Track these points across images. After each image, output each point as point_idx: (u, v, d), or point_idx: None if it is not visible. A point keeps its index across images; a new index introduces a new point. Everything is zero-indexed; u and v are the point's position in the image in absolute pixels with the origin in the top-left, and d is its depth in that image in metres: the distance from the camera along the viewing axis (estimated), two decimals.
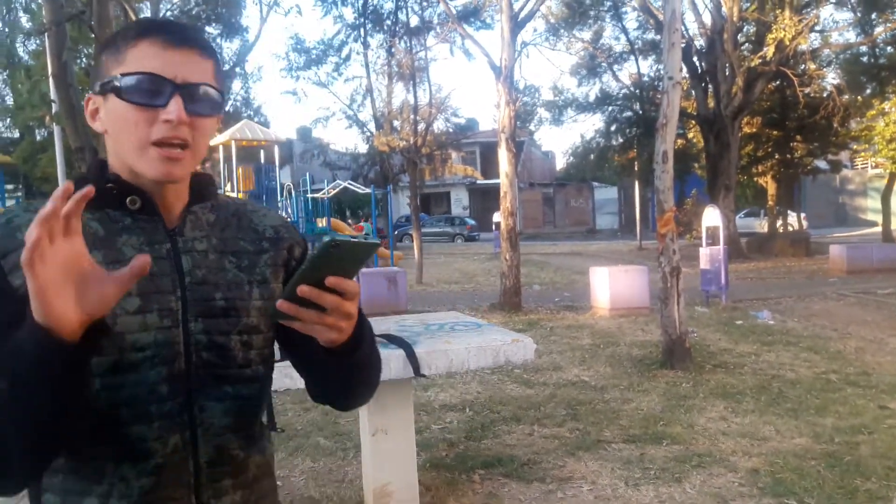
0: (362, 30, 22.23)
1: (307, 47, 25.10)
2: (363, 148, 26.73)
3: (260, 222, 1.17)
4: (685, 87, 19.47)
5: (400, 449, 3.42)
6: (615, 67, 23.49)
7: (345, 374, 1.10)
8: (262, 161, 21.62)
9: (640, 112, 22.74)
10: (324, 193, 21.63)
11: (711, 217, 10.93)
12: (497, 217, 23.92)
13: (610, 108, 23.98)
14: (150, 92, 0.98)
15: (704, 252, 10.56)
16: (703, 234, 11.09)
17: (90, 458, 0.99)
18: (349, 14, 23.06)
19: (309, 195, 20.71)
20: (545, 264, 18.79)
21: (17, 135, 28.05)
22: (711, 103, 19.49)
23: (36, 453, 0.91)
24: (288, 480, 4.03)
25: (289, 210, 19.27)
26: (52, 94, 6.61)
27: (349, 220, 32.16)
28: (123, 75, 0.99)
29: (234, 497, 1.08)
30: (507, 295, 10.50)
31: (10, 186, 23.95)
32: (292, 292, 0.91)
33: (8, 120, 27.18)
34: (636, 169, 24.75)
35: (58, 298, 0.81)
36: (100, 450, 0.99)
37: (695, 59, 19.70)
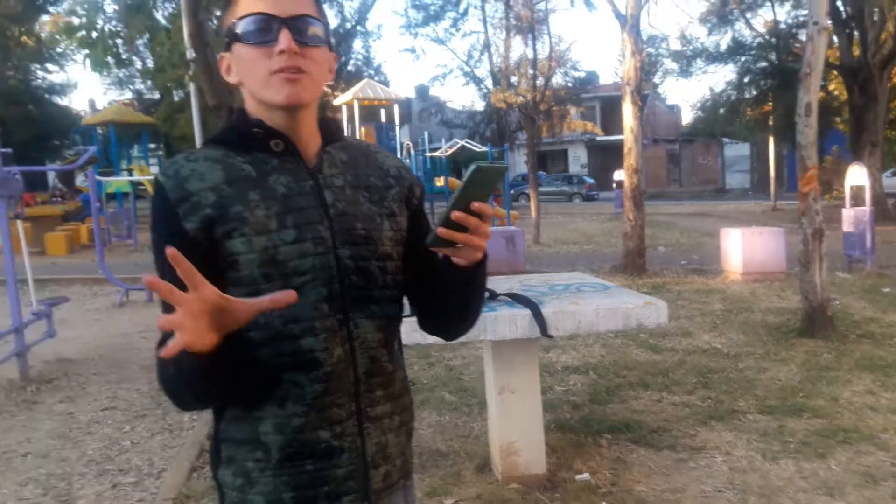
0: None
1: (425, 3, 25.05)
2: (480, 105, 26.62)
3: (384, 162, 1.28)
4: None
5: (526, 408, 3.41)
6: (748, 14, 21.89)
7: (469, 292, 1.24)
8: (383, 120, 21.97)
9: (776, 62, 21.16)
10: (441, 152, 21.75)
11: (856, 176, 10.09)
12: (618, 175, 23.23)
13: (743, 59, 22.46)
14: (262, 30, 1.11)
15: (848, 213, 9.79)
16: (847, 195, 10.26)
17: (270, 367, 1.13)
18: None
19: (427, 154, 20.90)
20: (671, 225, 18.11)
21: (157, 96, 29.90)
22: (857, 51, 17.85)
23: (205, 401, 1.17)
24: (416, 432, 4.11)
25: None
26: (189, 55, 6.95)
27: None
28: (237, 20, 1.13)
29: (385, 407, 1.21)
30: (630, 257, 10.19)
31: (152, 145, 25.70)
32: (447, 218, 1.05)
33: (149, 82, 28.98)
34: (770, 123, 23.17)
35: (198, 339, 0.93)
36: (278, 360, 1.12)
37: (839, 2, 18.03)
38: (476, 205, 1.06)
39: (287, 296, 0.95)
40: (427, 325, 1.35)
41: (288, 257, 1.10)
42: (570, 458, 3.68)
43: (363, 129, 18.75)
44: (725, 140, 38.70)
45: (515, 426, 3.40)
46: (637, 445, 3.88)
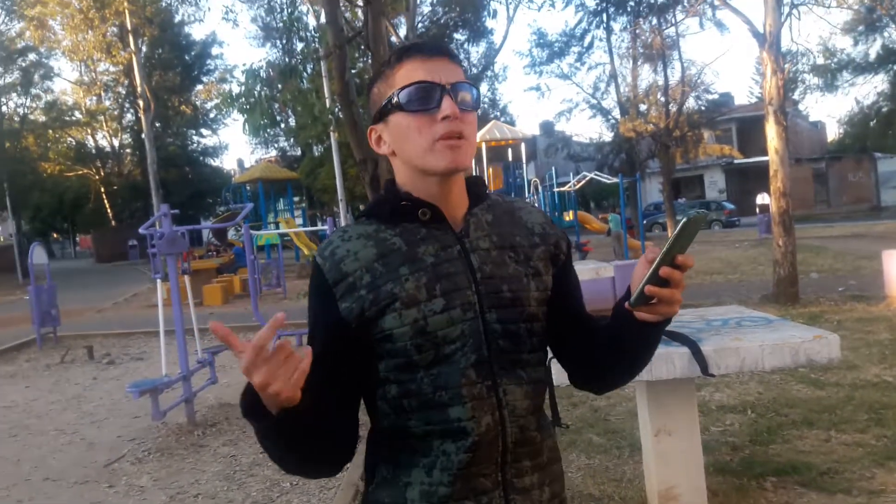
0: (605, 15, 21.81)
1: (549, 41, 25.24)
2: (608, 136, 26.24)
3: (528, 219, 1.28)
4: None
5: (685, 451, 3.27)
6: None
7: (648, 348, 1.23)
8: (510, 159, 22.17)
9: None
10: (570, 186, 21.60)
11: None
12: (761, 199, 22.04)
13: (895, 67, 20.85)
14: (424, 98, 1.14)
15: None
16: None
17: (419, 435, 1.14)
18: (590, 1, 22.75)
19: (555, 189, 20.83)
20: (822, 249, 16.87)
21: (298, 153, 31.85)
22: None
23: (320, 462, 1.17)
24: (566, 476, 4.05)
25: (536, 206, 19.55)
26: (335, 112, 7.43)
27: (594, 212, 31.75)
28: (399, 91, 1.16)
29: (532, 478, 1.19)
30: (781, 285, 9.58)
31: (296, 198, 27.32)
32: (655, 275, 1.04)
33: (291, 140, 30.96)
34: None
35: (281, 396, 0.99)
36: (428, 428, 1.13)
37: None
38: (681, 258, 1.05)
39: (277, 318, 0.98)
40: (581, 381, 1.34)
41: (437, 326, 1.11)
42: (733, 502, 3.48)
43: (491, 169, 19.01)
44: (878, 154, 35.76)
45: (674, 470, 3.27)
46: (806, 489, 3.61)
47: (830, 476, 3.74)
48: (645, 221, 25.33)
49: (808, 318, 7.98)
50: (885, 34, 21.19)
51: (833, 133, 40.03)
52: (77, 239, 52.97)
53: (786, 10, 10.50)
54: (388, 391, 1.16)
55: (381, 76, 1.21)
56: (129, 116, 39.32)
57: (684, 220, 1.02)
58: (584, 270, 7.30)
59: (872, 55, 21.45)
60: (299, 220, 22.87)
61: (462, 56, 29.59)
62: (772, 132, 9.78)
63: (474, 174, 1.30)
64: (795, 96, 27.13)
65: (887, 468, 3.78)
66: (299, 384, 0.99)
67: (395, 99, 1.16)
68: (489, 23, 28.93)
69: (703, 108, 21.08)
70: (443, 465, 1.12)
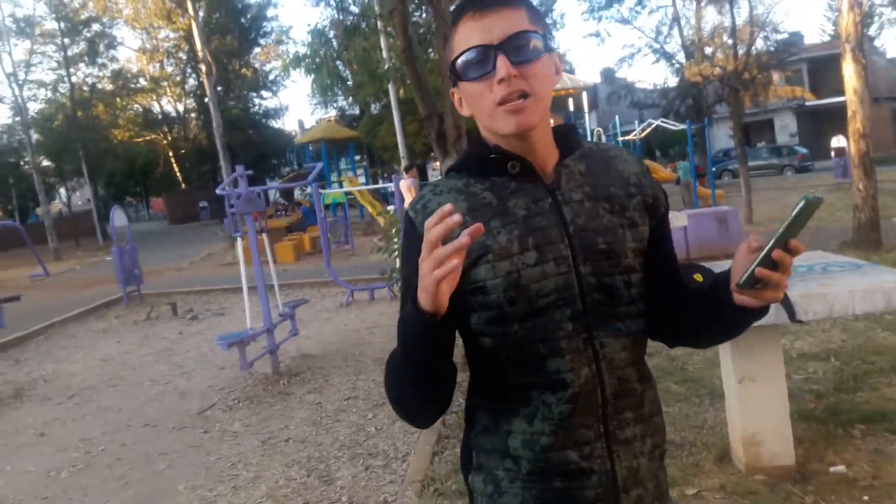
0: None
1: None
2: (672, 82, 25.40)
3: (624, 168, 1.24)
4: None
5: (770, 398, 3.26)
6: None
7: (741, 327, 1.19)
8: (571, 109, 21.77)
9: None
10: (634, 135, 21.13)
11: None
12: (836, 142, 21.07)
13: None
14: (478, 63, 1.12)
15: None
16: None
17: (519, 386, 1.16)
18: None
19: (619, 138, 20.39)
20: None
21: (357, 112, 31.97)
22: None
23: (429, 402, 1.15)
24: None
25: None
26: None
27: (660, 161, 30.97)
28: (453, 61, 1.15)
29: (635, 429, 1.18)
30: (862, 230, 9.24)
31: (357, 157, 27.55)
32: (768, 258, 0.99)
33: (350, 99, 31.06)
34: None
35: (445, 297, 0.97)
36: (526, 379, 1.15)
37: None
38: (794, 242, 1.00)
39: (476, 229, 0.93)
40: (657, 333, 1.28)
41: (530, 279, 1.11)
42: (820, 449, 3.47)
43: (552, 119, 18.72)
44: None
45: (758, 416, 3.27)
46: None
47: None
48: (714, 169, 24.59)
49: (892, 264, 7.67)
50: None
51: None
52: (150, 202, 54.86)
53: None
54: (482, 343, 1.17)
55: (448, 38, 1.20)
56: (191, 81, 40.09)
57: (802, 203, 0.97)
58: None
59: None
60: (362, 179, 23.15)
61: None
62: (849, 71, 9.31)
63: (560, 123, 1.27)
64: (871, 31, 25.64)
65: None
66: (452, 285, 0.97)
67: (455, 67, 1.16)
68: None
69: (772, 48, 20.10)
70: (544, 415, 1.13)
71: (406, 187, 10.54)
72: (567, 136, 1.23)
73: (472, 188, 1.18)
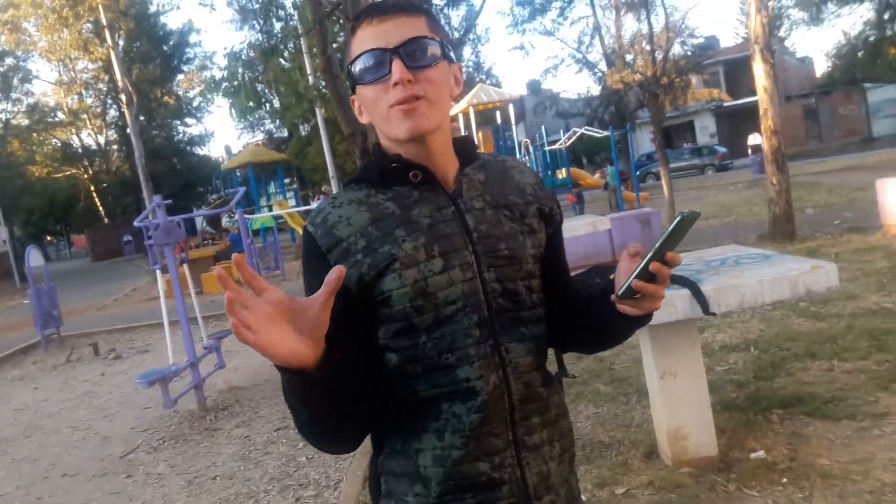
0: None
1: None
2: (595, 90, 26.07)
3: (521, 178, 1.26)
4: None
5: (691, 391, 3.30)
6: None
7: (627, 333, 1.23)
8: (499, 121, 22.03)
9: None
10: (560, 144, 21.52)
11: None
12: (753, 140, 21.93)
13: None
14: (374, 67, 1.10)
15: None
16: None
17: (427, 399, 1.13)
18: None
19: (546, 148, 20.74)
20: (816, 185, 16.88)
21: (286, 134, 31.65)
22: None
23: (348, 433, 1.12)
24: (574, 426, 4.06)
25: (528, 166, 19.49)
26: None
27: (586, 167, 31.63)
28: (351, 63, 1.14)
29: (542, 434, 1.18)
30: (777, 223, 9.60)
31: (287, 180, 27.21)
32: (645, 270, 1.03)
33: (277, 121, 30.74)
34: None
35: (281, 346, 0.90)
36: (435, 392, 1.12)
37: None
38: (670, 255, 1.03)
39: (335, 272, 0.90)
40: (554, 342, 1.29)
41: (437, 287, 1.10)
42: (741, 437, 3.53)
43: (480, 132, 18.89)
44: (867, 85, 35.54)
45: (681, 410, 3.31)
46: (812, 418, 3.66)
47: (835, 404, 3.79)
48: (638, 172, 25.25)
49: (806, 253, 8.01)
50: None
51: (822, 68, 39.80)
52: (71, 239, 52.87)
53: None
54: (388, 360, 1.14)
55: (346, 45, 1.19)
56: (112, 112, 39.00)
57: (679, 217, 1.00)
58: (581, 225, 7.29)
59: None
60: (292, 202, 22.84)
61: (443, 21, 29.24)
62: (759, 71, 9.71)
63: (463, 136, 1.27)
64: (781, 33, 26.92)
65: (891, 391, 3.83)
66: (308, 338, 0.92)
67: (352, 71, 1.14)
68: None
69: (689, 52, 20.83)
70: (454, 427, 1.11)
71: None
72: (466, 147, 1.23)
73: (374, 198, 1.15)
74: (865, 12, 27.37)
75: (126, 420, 6.21)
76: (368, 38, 1.12)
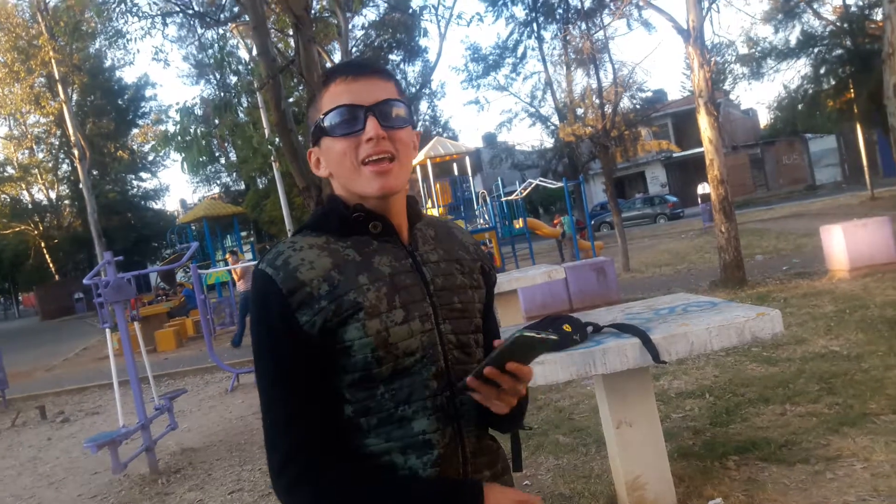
0: (535, 24, 22.24)
1: (484, 55, 25.59)
2: (549, 143, 26.69)
3: (462, 237, 1.31)
4: None
5: (647, 440, 3.32)
6: (815, 5, 21.23)
7: (500, 424, 1.25)
8: (456, 173, 22.29)
9: (852, 47, 20.34)
10: (516, 195, 21.83)
11: None
12: (702, 189, 22.58)
13: (816, 50, 21.73)
14: (348, 121, 1.13)
15: None
16: None
17: (379, 453, 1.11)
18: (520, 12, 23.20)
19: (503, 199, 21.00)
20: (764, 231, 17.39)
21: (242, 187, 31.50)
22: None
23: None
24: (535, 479, 4.08)
25: (486, 216, 19.65)
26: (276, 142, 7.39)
27: (542, 217, 32.11)
28: (324, 116, 1.15)
29: None
30: (728, 270, 9.84)
31: (244, 233, 26.99)
32: (480, 372, 1.04)
33: (234, 175, 30.62)
34: (855, 111, 22.13)
35: None
36: (387, 446, 1.11)
37: None
38: (511, 366, 1.03)
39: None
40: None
41: (398, 338, 1.10)
42: (699, 485, 3.55)
43: (437, 184, 19.07)
44: (808, 136, 37.15)
45: (638, 459, 3.32)
46: (767, 463, 3.71)
47: (789, 448, 3.85)
48: (593, 222, 25.72)
49: (757, 299, 8.22)
50: (804, 20, 22.07)
51: (765, 119, 41.39)
52: (20, 297, 51.20)
53: (706, 4, 10.84)
54: (341, 411, 1.12)
55: (313, 100, 1.22)
56: (64, 167, 38.32)
57: (513, 336, 1.00)
58: (537, 275, 7.36)
59: (793, 41, 22.28)
60: (249, 255, 22.57)
61: (399, 76, 29.75)
62: (704, 123, 10.07)
63: (420, 189, 1.30)
64: (726, 86, 28.03)
65: (841, 433, 3.91)
66: None
67: (322, 123, 1.16)
68: (422, 42, 29.18)
69: (637, 106, 21.58)
70: None
71: None
72: (413, 206, 1.26)
73: (334, 245, 1.15)
74: (803, 67, 28.78)
75: (73, 487, 5.95)
76: (342, 93, 1.14)
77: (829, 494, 3.25)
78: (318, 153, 1.21)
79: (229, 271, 17.84)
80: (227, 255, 13.42)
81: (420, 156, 18.63)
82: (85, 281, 6.40)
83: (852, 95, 21.58)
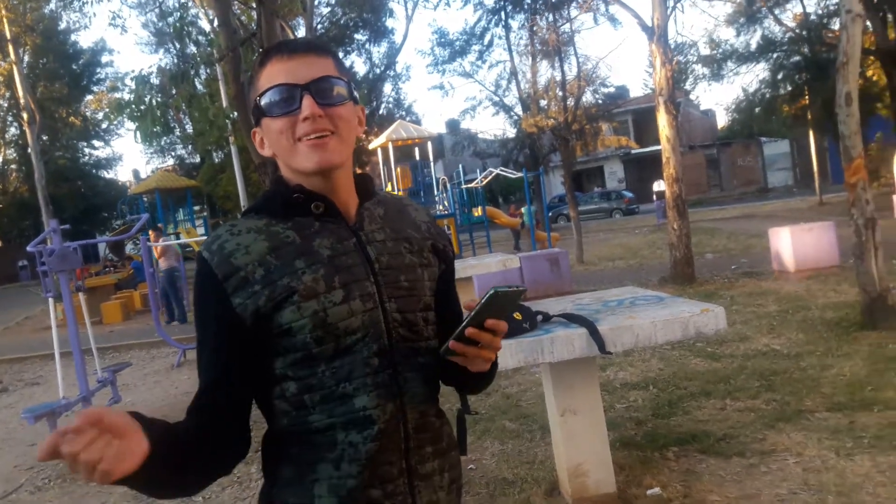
0: (503, 13, 22.21)
1: (450, 40, 25.47)
2: (511, 132, 26.77)
3: (416, 216, 1.31)
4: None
5: (590, 428, 3.39)
6: (776, 11, 21.67)
7: (480, 384, 1.33)
8: (418, 158, 22.23)
9: (810, 55, 20.85)
10: (477, 183, 21.87)
11: None
12: (658, 186, 22.97)
13: (775, 55, 22.19)
14: (284, 101, 1.13)
15: None
16: None
17: (323, 429, 1.13)
18: None
19: (463, 186, 21.03)
20: (716, 231, 17.81)
21: (198, 160, 30.87)
22: (893, 34, 17.46)
23: (194, 486, 1.13)
24: (479, 463, 4.13)
25: (445, 203, 19.66)
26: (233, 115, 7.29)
27: (502, 206, 32.25)
28: (260, 96, 1.16)
29: (434, 464, 1.21)
30: (678, 267, 10.05)
31: (197, 207, 26.48)
32: (461, 334, 1.09)
33: (190, 147, 29.97)
34: (809, 118, 22.72)
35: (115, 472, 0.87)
36: (332, 421, 1.12)
37: None
38: (490, 322, 1.08)
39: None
40: (444, 382, 1.34)
41: (337, 318, 1.10)
42: (638, 474, 3.64)
43: (399, 168, 19.00)
44: (764, 139, 38.07)
45: (581, 447, 3.38)
46: (705, 455, 3.81)
47: (727, 441, 3.97)
48: (550, 214, 25.94)
49: (704, 296, 8.41)
50: (765, 25, 22.53)
51: (723, 120, 42.24)
52: None
53: (671, 3, 10.99)
54: (286, 389, 1.13)
55: (251, 79, 1.20)
56: (12, 130, 36.93)
57: (490, 292, 1.05)
58: (493, 263, 7.42)
59: (753, 45, 22.69)
60: (201, 230, 22.19)
61: (364, 57, 29.44)
62: (663, 121, 10.23)
63: (381, 172, 1.29)
64: (686, 86, 28.46)
65: (776, 429, 4.04)
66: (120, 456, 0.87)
67: (260, 103, 1.16)
68: (389, 23, 28.87)
69: (599, 101, 21.77)
70: (350, 456, 1.12)
71: None
72: (365, 184, 1.26)
73: (274, 227, 1.15)
74: (761, 71, 29.36)
75: (8, 458, 5.80)
76: (278, 73, 1.13)
77: (763, 487, 3.36)
78: (261, 133, 1.21)
79: (181, 245, 17.53)
80: (151, 231, 13.16)
81: (382, 138, 18.51)
82: (29, 248, 6.22)
83: (807, 102, 22.16)
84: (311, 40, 1.22)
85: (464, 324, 1.09)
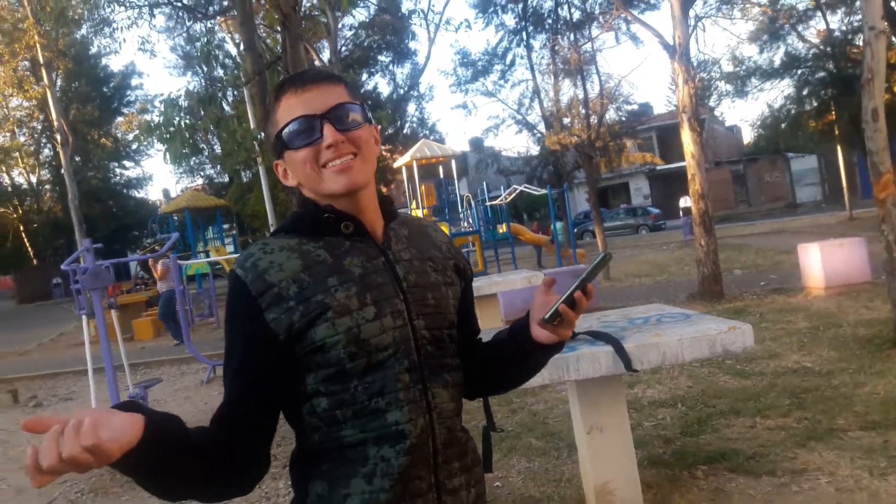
0: (524, 33, 22.34)
1: (473, 60, 25.64)
2: (535, 150, 26.77)
3: (436, 236, 1.36)
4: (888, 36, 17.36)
5: (617, 446, 3.38)
6: (799, 27, 21.55)
7: (538, 365, 1.33)
8: (442, 176, 22.33)
9: (835, 70, 20.65)
10: (501, 200, 21.89)
11: None
12: (684, 202, 22.84)
13: (799, 71, 22.01)
14: (305, 132, 1.17)
15: None
16: None
17: (355, 444, 1.15)
18: (510, 20, 23.30)
19: (487, 203, 21.07)
20: (743, 247, 17.60)
21: (226, 179, 31.31)
22: None
23: (203, 493, 1.11)
24: (506, 480, 4.12)
25: (469, 220, 19.70)
26: (260, 137, 7.45)
27: (526, 223, 32.22)
28: (280, 131, 1.20)
29: (461, 479, 1.23)
30: (705, 283, 9.97)
31: (226, 226, 26.81)
32: (570, 298, 1.16)
33: (218, 167, 30.40)
34: (836, 133, 22.47)
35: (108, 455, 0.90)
36: (364, 436, 1.15)
37: (893, 3, 17.53)
38: (590, 286, 1.16)
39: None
40: (474, 392, 1.38)
41: (370, 334, 1.13)
42: (666, 493, 3.61)
43: (423, 186, 19.11)
44: (791, 154, 37.64)
45: (608, 465, 3.37)
46: (735, 474, 3.77)
47: (756, 460, 3.92)
48: (576, 230, 25.87)
49: (733, 313, 8.33)
50: (788, 41, 22.40)
51: (748, 136, 41.88)
52: None
53: (692, 21, 10.99)
54: (317, 405, 1.16)
55: (269, 116, 1.25)
56: (46, 151, 37.84)
57: (602, 255, 1.17)
58: (518, 280, 7.44)
59: (777, 62, 22.59)
60: (230, 248, 22.44)
61: (388, 78, 29.73)
62: (687, 138, 10.19)
63: (406, 190, 1.34)
64: (711, 103, 28.28)
65: (808, 448, 3.99)
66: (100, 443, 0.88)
67: (281, 138, 1.20)
68: (412, 44, 29.16)
69: (623, 118, 21.75)
70: (383, 471, 1.13)
71: None
72: (388, 206, 1.30)
73: (305, 246, 1.19)
74: (786, 87, 29.12)
75: None
76: (295, 106, 1.18)
77: None
78: (283, 165, 1.25)
79: (210, 263, 17.77)
80: (150, 261, 13.35)
81: (406, 157, 18.66)
82: (63, 266, 6.37)
83: (833, 117, 21.92)
84: (321, 70, 1.28)
85: (573, 287, 1.16)
